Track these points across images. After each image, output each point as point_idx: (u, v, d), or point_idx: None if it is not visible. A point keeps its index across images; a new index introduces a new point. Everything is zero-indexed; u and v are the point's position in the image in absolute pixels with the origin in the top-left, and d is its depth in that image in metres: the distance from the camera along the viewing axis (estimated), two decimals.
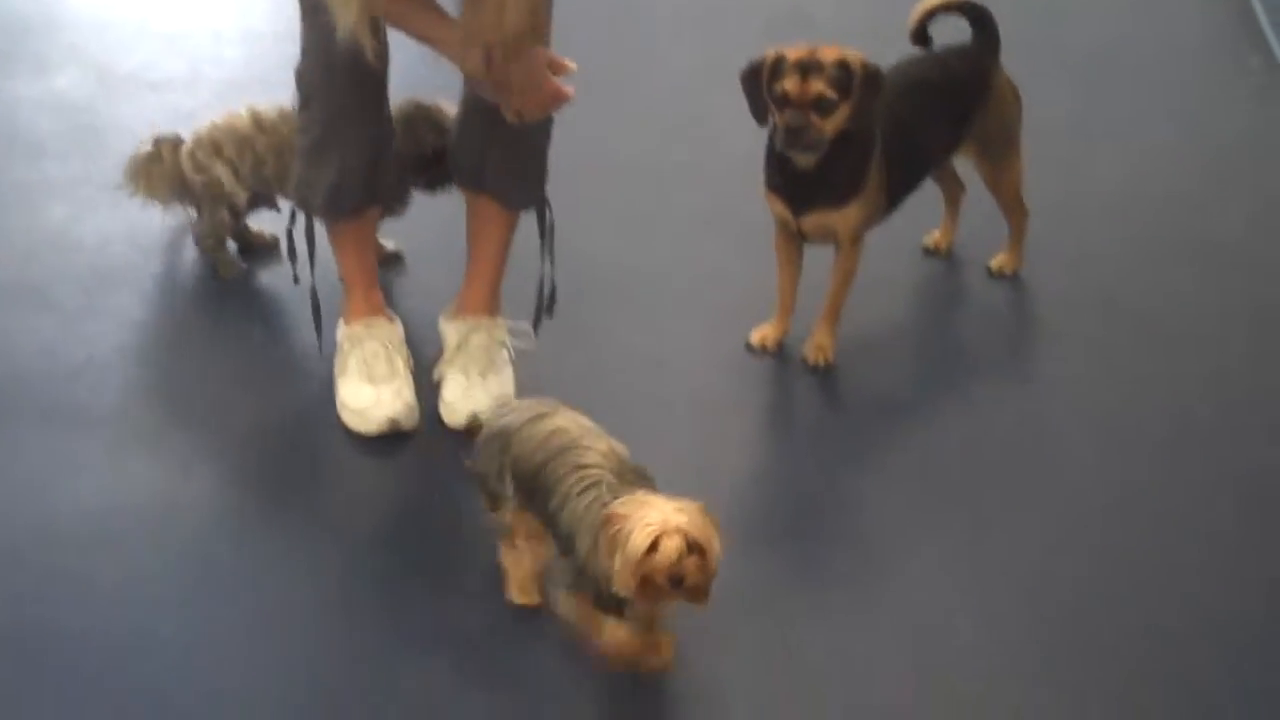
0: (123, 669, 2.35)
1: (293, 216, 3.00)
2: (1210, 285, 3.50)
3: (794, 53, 2.92)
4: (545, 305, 3.06)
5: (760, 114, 2.97)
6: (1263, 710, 2.37)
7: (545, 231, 3.02)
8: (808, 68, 2.89)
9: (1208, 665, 2.45)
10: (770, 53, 2.95)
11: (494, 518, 2.46)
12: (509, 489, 2.39)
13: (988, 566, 2.64)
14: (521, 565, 2.48)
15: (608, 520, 2.16)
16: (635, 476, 2.30)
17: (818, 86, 2.89)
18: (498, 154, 2.92)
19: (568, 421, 2.39)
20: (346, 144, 2.86)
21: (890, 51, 3.22)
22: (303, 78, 2.87)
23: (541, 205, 3.01)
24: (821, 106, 2.90)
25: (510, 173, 2.94)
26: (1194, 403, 3.10)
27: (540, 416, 2.40)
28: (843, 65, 2.91)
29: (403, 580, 2.58)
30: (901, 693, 2.37)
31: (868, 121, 2.97)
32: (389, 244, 3.36)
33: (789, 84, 2.90)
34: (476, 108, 2.88)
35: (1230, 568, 2.67)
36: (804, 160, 2.97)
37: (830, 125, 2.91)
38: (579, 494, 2.27)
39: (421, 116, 3.13)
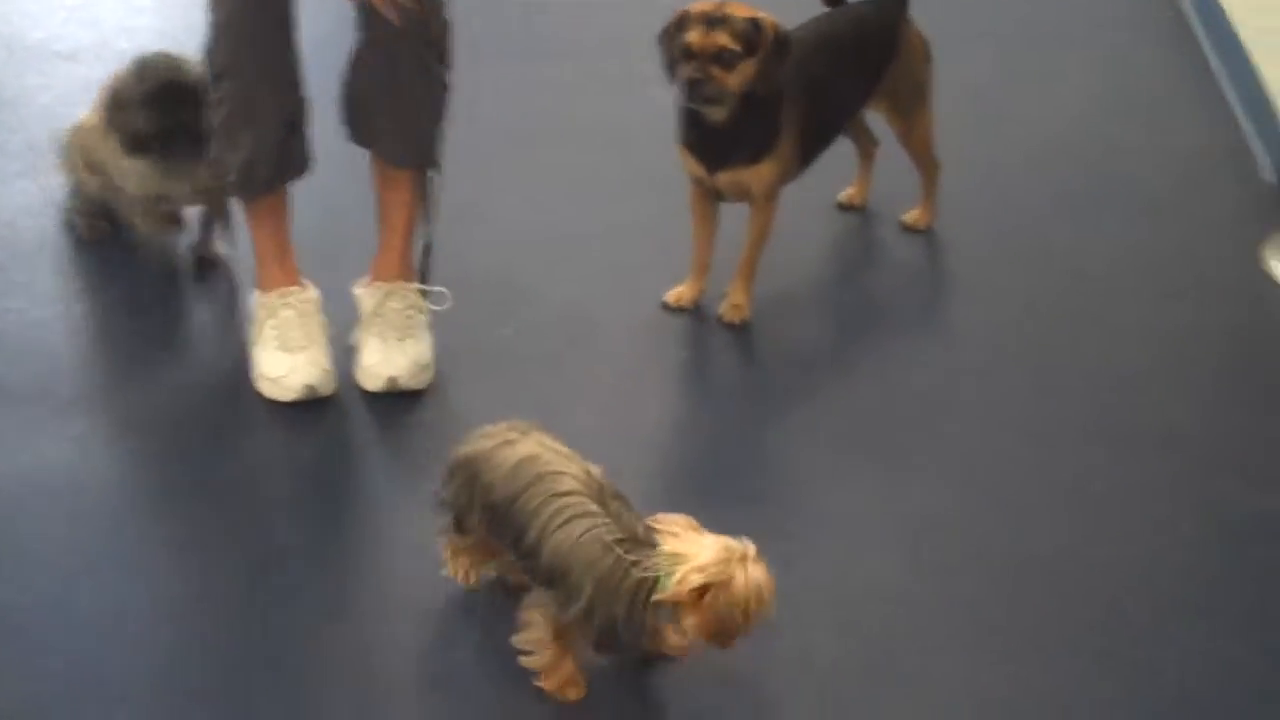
0: (39, 637, 2.34)
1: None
2: (1122, 235, 3.54)
3: (699, 6, 2.93)
4: (421, 263, 3.04)
5: (673, 71, 2.98)
6: (1183, 647, 2.41)
7: (426, 193, 3.01)
8: (713, 21, 2.90)
9: (1132, 608, 2.49)
10: (679, 10, 2.96)
11: (455, 538, 2.38)
12: (476, 518, 2.31)
13: (908, 517, 2.67)
14: (470, 574, 2.43)
15: (701, 593, 2.07)
16: (615, 500, 2.22)
17: (720, 39, 2.88)
18: (383, 109, 2.91)
19: (538, 447, 2.27)
20: (258, 122, 2.85)
21: (804, 14, 3.24)
22: (212, 55, 2.85)
23: (429, 166, 2.99)
24: (723, 59, 2.89)
25: (395, 128, 2.93)
26: (1109, 352, 3.14)
27: (509, 443, 2.28)
28: (752, 22, 2.91)
29: (321, 548, 2.58)
30: (826, 645, 2.39)
31: (773, 86, 2.97)
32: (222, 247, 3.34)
33: (692, 35, 2.90)
34: (362, 59, 2.88)
35: (1150, 513, 2.70)
36: (713, 115, 2.97)
37: (733, 80, 2.91)
38: (562, 525, 2.17)
39: (154, 58, 3.07)
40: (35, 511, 2.60)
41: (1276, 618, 2.50)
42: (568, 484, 2.21)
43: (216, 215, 3.30)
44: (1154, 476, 2.80)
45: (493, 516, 2.27)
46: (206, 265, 3.31)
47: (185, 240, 3.33)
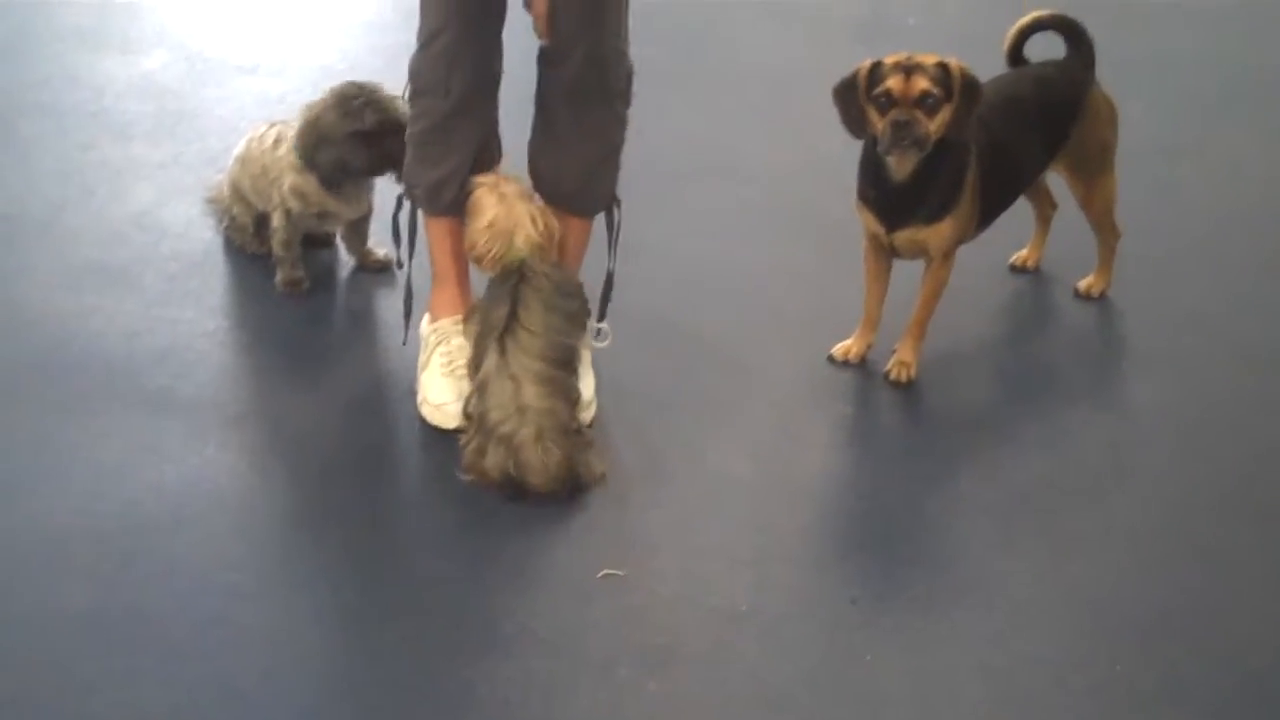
0: (199, 655, 2.34)
1: (399, 202, 3.02)
2: None
3: (892, 57, 2.90)
4: (606, 294, 3.06)
5: (856, 126, 2.94)
6: None
7: (613, 230, 3.02)
8: (909, 68, 2.87)
9: None
10: (865, 62, 2.92)
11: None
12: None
13: (1068, 594, 2.59)
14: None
15: None
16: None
17: (922, 83, 2.85)
18: (569, 166, 2.92)
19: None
20: (453, 143, 2.86)
21: (982, 66, 3.19)
22: (418, 73, 2.87)
23: (611, 206, 3.01)
24: (926, 103, 2.86)
25: (580, 187, 2.95)
26: None
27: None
28: (942, 67, 2.88)
29: (476, 578, 2.57)
30: (977, 718, 2.33)
31: (965, 130, 2.93)
32: (380, 251, 3.40)
33: (893, 83, 2.86)
34: (547, 121, 2.90)
35: None
36: (903, 168, 2.93)
37: (934, 125, 2.88)
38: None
39: (356, 93, 3.11)
40: (199, 523, 2.62)
41: None
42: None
43: (356, 237, 3.40)
44: None
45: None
46: (375, 268, 3.40)
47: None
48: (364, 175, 3.18)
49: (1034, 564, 2.66)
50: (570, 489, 2.73)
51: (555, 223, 2.87)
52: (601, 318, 3.05)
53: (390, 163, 3.13)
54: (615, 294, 3.06)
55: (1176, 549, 2.72)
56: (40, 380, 2.97)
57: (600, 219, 3.03)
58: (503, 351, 2.75)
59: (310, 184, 3.20)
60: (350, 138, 3.10)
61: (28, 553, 2.53)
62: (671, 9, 4.88)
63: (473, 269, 2.96)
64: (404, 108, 3.08)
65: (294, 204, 3.23)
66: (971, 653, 2.45)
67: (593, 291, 3.00)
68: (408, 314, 3.04)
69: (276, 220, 3.27)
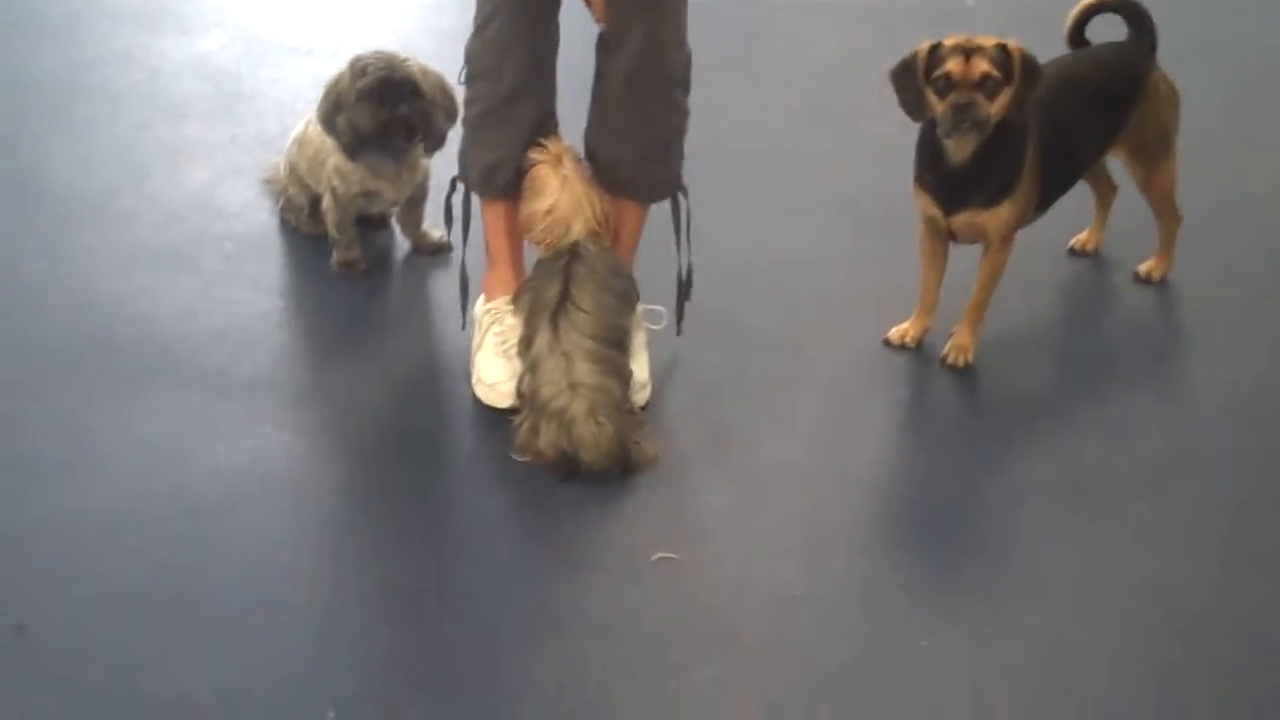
0: (249, 637, 2.34)
1: (452, 185, 3.02)
2: None
3: (952, 39, 2.87)
4: (684, 291, 3.04)
5: (914, 108, 2.91)
6: None
7: (679, 219, 3.01)
8: (969, 51, 2.84)
9: None
10: (924, 44, 2.89)
11: None
12: None
13: (1126, 583, 2.56)
14: None
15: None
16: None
17: (982, 66, 2.82)
18: (626, 152, 2.90)
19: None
20: (508, 127, 2.86)
21: (1042, 48, 3.15)
22: (474, 56, 2.87)
23: (676, 195, 2.99)
24: (987, 85, 2.83)
25: (643, 175, 2.93)
26: None
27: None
28: (1002, 49, 2.85)
29: (532, 556, 2.57)
30: (1032, 707, 2.31)
31: (1025, 112, 2.90)
32: (435, 233, 3.39)
33: (952, 65, 2.83)
34: (605, 108, 2.88)
35: None
36: (962, 151, 2.90)
37: (994, 107, 2.84)
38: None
39: (368, 55, 3.09)
40: (254, 504, 2.62)
41: None
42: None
43: (411, 219, 3.41)
44: None
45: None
46: (430, 251, 3.41)
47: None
48: (374, 139, 3.13)
49: (1091, 551, 2.62)
50: (622, 468, 2.72)
51: (611, 209, 2.86)
52: (680, 318, 3.06)
53: (403, 128, 3.11)
54: (665, 280, 3.04)
55: (1236, 539, 2.68)
56: (96, 361, 2.98)
57: (663, 211, 3.01)
58: (555, 329, 2.74)
59: (351, 163, 3.20)
60: (357, 99, 3.08)
61: (81, 533, 2.54)
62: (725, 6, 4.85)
63: (527, 248, 2.96)
64: (416, 70, 3.09)
65: (338, 184, 3.23)
66: (1026, 639, 2.43)
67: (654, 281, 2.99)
68: (464, 298, 3.03)
69: (326, 201, 3.28)
